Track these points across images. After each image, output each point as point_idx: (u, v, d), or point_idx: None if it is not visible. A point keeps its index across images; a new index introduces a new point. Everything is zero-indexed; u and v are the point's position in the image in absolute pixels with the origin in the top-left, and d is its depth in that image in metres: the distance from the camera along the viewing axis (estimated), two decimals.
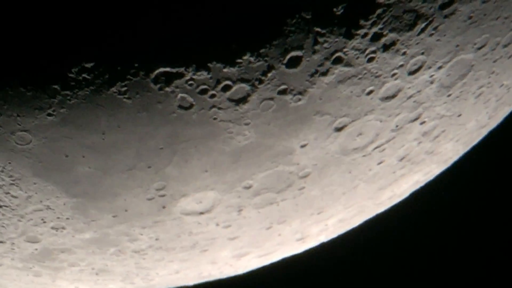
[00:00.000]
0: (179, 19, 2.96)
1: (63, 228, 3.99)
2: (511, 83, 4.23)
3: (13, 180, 3.60)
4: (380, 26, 3.26)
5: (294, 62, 3.24)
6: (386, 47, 3.37)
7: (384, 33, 3.30)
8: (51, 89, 3.14)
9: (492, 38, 3.70)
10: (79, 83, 3.11)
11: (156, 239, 4.20)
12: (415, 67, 3.55)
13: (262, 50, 3.15)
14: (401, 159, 4.24)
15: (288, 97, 3.37)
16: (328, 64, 3.30)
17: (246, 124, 3.44)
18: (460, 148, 4.70)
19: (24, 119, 3.24)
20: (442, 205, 9.02)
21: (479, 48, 3.70)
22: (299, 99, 3.40)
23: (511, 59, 3.95)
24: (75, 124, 3.29)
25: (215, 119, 3.37)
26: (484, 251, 9.18)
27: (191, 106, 3.28)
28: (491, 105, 4.31)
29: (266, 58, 3.18)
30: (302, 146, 3.70)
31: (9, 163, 3.48)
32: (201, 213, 4.00)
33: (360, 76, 3.43)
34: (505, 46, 3.81)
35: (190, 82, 3.17)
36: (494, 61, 3.87)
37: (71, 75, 3.08)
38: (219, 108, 3.32)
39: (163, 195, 3.77)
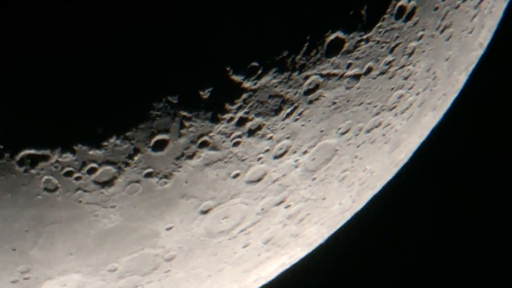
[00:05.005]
0: (43, 101, 2.97)
1: None
2: (374, 168, 4.35)
3: None
4: (246, 110, 3.31)
5: (161, 146, 3.26)
6: (251, 132, 3.42)
7: (250, 117, 3.35)
8: None
9: (355, 124, 3.81)
10: None
11: None
12: (281, 151, 3.62)
13: (128, 133, 3.16)
14: (266, 242, 4.26)
15: (154, 180, 3.38)
16: (194, 147, 3.33)
17: (112, 206, 3.43)
18: (325, 231, 4.77)
19: None
20: None
21: (343, 133, 3.79)
22: (165, 182, 3.42)
23: (374, 144, 4.07)
24: None
25: (80, 201, 3.34)
26: None
27: (56, 188, 3.26)
28: (355, 189, 4.41)
29: (132, 141, 3.19)
30: (168, 229, 3.69)
31: None
32: None
33: (226, 159, 3.47)
34: (368, 131, 3.92)
35: (56, 164, 3.16)
36: (358, 146, 3.98)
37: None
38: (85, 191, 3.31)
39: (27, 278, 3.70)
